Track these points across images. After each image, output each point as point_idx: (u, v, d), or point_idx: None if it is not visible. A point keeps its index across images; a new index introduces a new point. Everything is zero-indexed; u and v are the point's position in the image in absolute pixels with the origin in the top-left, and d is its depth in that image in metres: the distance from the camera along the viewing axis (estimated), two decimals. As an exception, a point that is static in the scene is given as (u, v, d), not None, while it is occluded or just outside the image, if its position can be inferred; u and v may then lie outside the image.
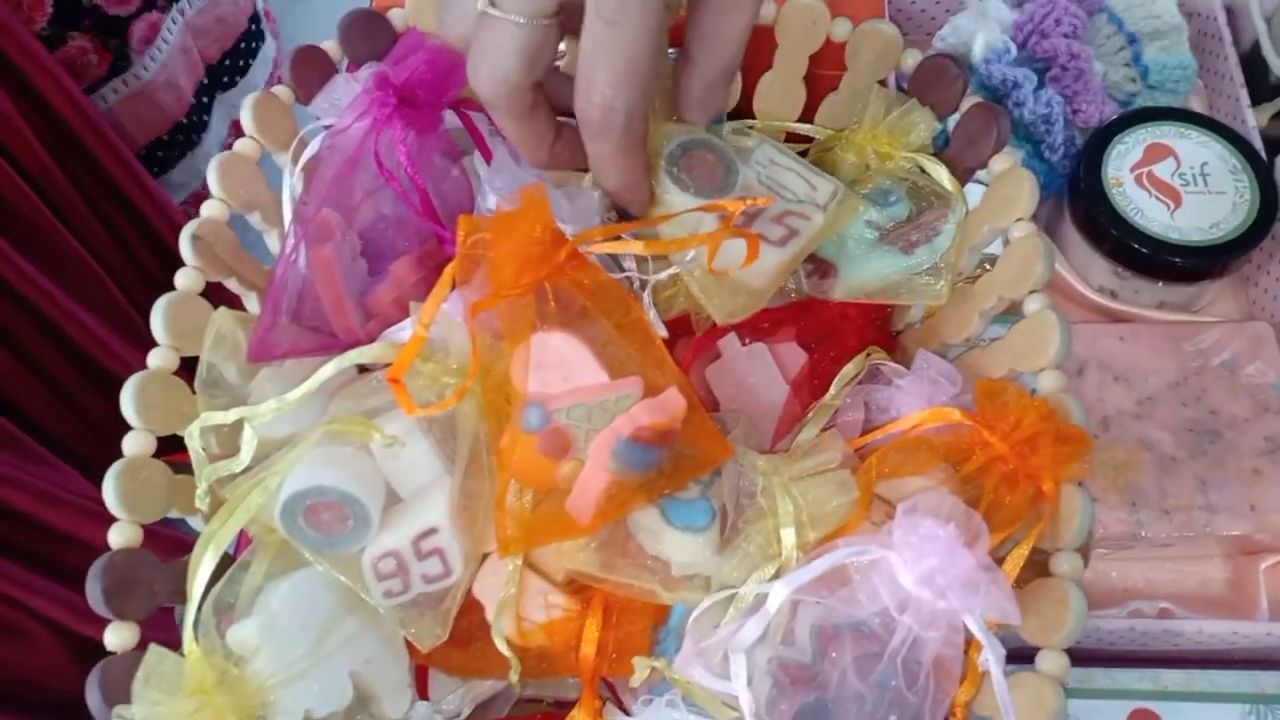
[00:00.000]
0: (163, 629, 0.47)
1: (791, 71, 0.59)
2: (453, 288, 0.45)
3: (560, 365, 0.45)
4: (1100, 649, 0.58)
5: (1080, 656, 0.56)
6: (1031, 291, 0.49)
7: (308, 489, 0.43)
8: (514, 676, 0.48)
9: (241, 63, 1.35)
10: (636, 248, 0.50)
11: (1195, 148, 0.67)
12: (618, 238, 0.51)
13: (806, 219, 0.55)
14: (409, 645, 0.47)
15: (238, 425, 0.47)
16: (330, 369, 0.44)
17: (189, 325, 0.50)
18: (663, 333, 0.54)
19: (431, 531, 0.43)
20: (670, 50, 0.60)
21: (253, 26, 1.35)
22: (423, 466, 0.44)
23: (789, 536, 0.45)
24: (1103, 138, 0.67)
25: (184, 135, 1.22)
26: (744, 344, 0.58)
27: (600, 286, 0.47)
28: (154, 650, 0.41)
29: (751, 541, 0.46)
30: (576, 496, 0.44)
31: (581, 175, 0.58)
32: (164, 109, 1.20)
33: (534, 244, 0.44)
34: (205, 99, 1.28)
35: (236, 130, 1.35)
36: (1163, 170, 0.66)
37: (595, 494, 0.44)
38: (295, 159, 0.57)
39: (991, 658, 0.41)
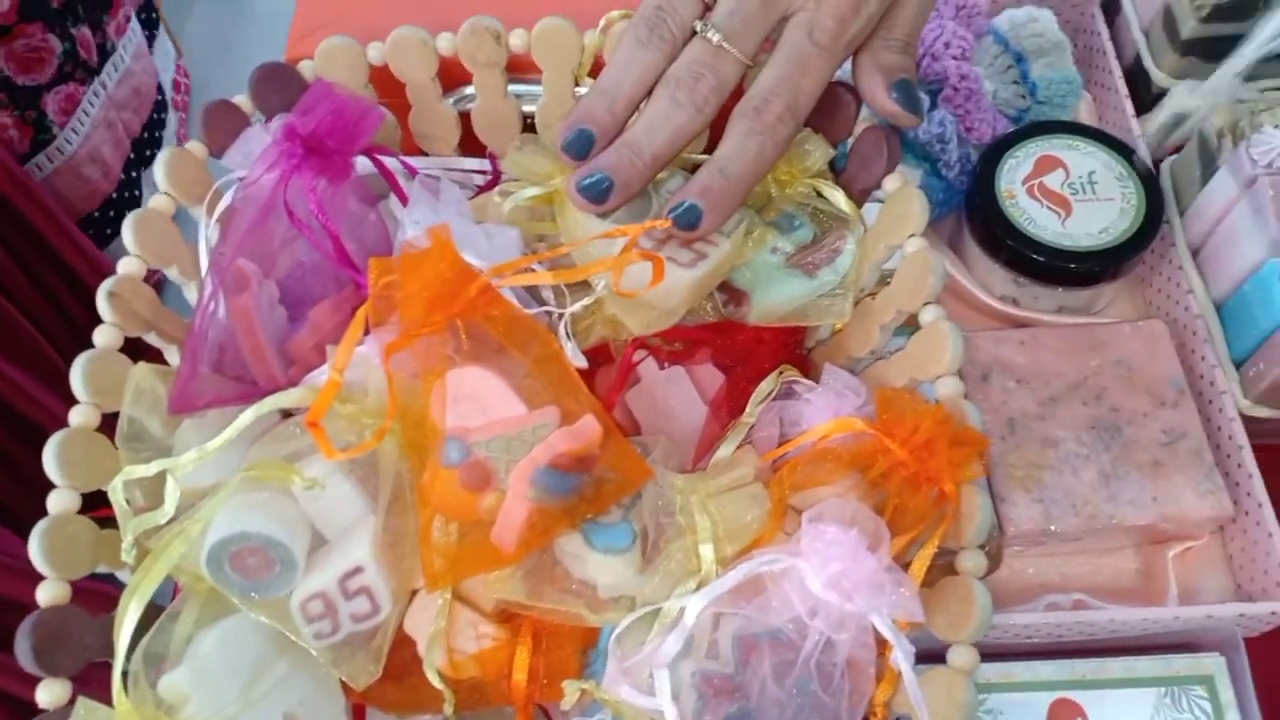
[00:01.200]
0: (99, 684, 0.47)
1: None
2: (367, 330, 0.46)
3: (477, 399, 0.46)
4: (1019, 643, 0.59)
5: (999, 651, 0.59)
6: (926, 304, 0.51)
7: (231, 535, 0.43)
8: (449, 709, 0.48)
9: (157, 134, 1.34)
10: (546, 278, 0.51)
11: (1083, 158, 0.70)
12: (529, 270, 0.52)
13: (714, 245, 0.56)
14: (344, 684, 0.47)
15: (161, 477, 0.47)
16: (249, 416, 0.45)
17: (109, 381, 0.50)
18: (581, 363, 0.56)
19: (357, 571, 0.44)
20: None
21: (160, 97, 1.34)
22: (345, 507, 0.45)
23: (707, 552, 0.46)
24: (995, 153, 0.69)
25: (115, 210, 1.20)
26: (662, 368, 0.59)
27: (513, 321, 0.48)
28: (82, 703, 0.41)
29: (672, 559, 0.47)
30: (500, 527, 0.45)
31: (499, 210, 0.59)
32: (91, 183, 1.18)
33: (442, 281, 0.45)
34: (134, 173, 1.27)
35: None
36: (1053, 181, 0.69)
37: (517, 523, 0.45)
38: (210, 211, 0.58)
39: (901, 655, 0.42)
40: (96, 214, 1.20)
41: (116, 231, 1.22)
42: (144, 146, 1.32)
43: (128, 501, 0.48)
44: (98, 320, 0.52)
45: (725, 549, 0.46)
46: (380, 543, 0.45)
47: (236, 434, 0.45)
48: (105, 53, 1.21)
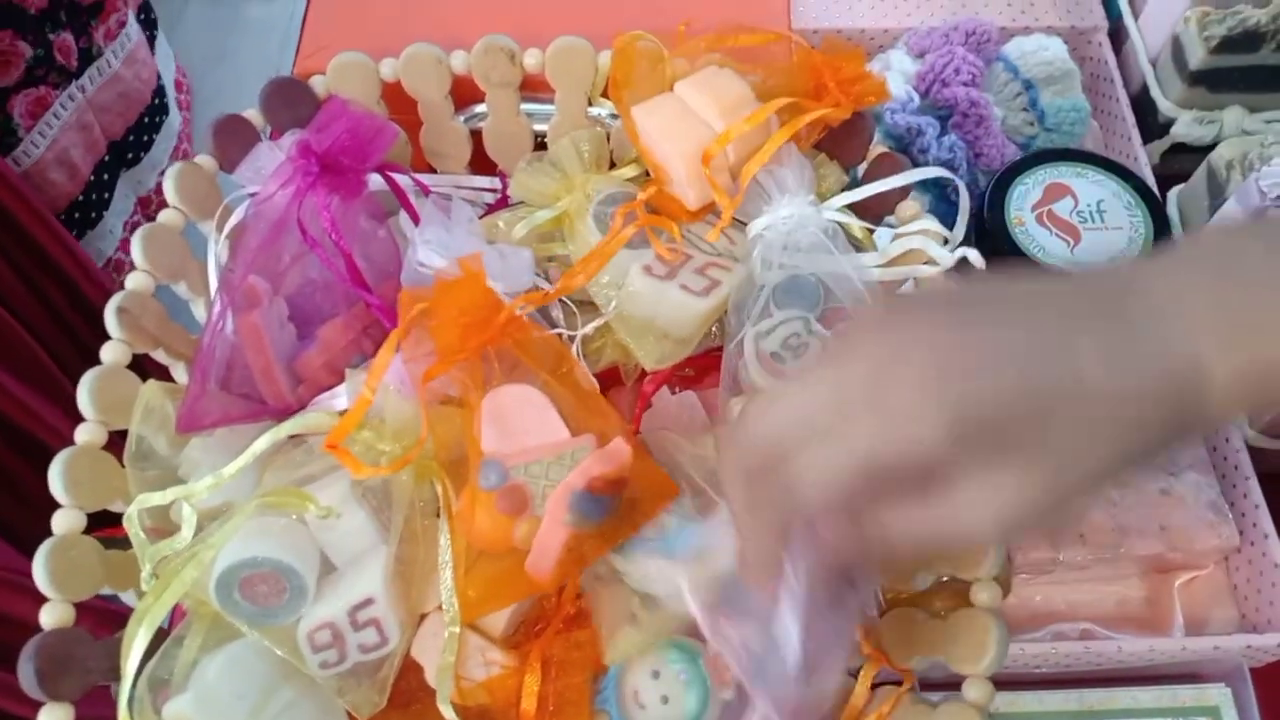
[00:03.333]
0: (98, 704, 0.46)
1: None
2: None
3: (520, 417, 0.45)
4: (1026, 673, 0.59)
5: (1009, 680, 0.58)
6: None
7: (243, 561, 0.42)
8: None
9: (145, 138, 1.31)
10: (560, 290, 0.51)
11: (1091, 186, 0.69)
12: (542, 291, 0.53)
13: (727, 270, 0.56)
14: (349, 713, 0.47)
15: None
16: (265, 442, 0.44)
17: (116, 398, 0.49)
18: (592, 385, 0.55)
19: (368, 603, 0.43)
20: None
21: (156, 100, 1.32)
22: (358, 536, 0.44)
23: None
24: (1004, 180, 0.69)
25: (81, 214, 1.17)
26: (673, 393, 0.59)
27: (538, 344, 0.49)
28: (88, 732, 0.40)
29: None
30: (536, 555, 0.45)
31: (511, 234, 0.59)
32: (56, 185, 1.16)
33: (476, 309, 0.45)
34: (106, 176, 1.24)
35: (143, 206, 1.32)
36: (1062, 209, 0.68)
37: (554, 549, 0.44)
38: (220, 227, 0.57)
39: None
40: (62, 216, 1.18)
41: (80, 235, 1.19)
42: (125, 150, 1.29)
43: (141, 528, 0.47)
44: (95, 329, 0.51)
45: None
46: (390, 573, 0.44)
47: (251, 460, 0.44)
48: (89, 57, 1.19)
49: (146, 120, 1.31)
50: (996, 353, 0.35)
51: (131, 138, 1.29)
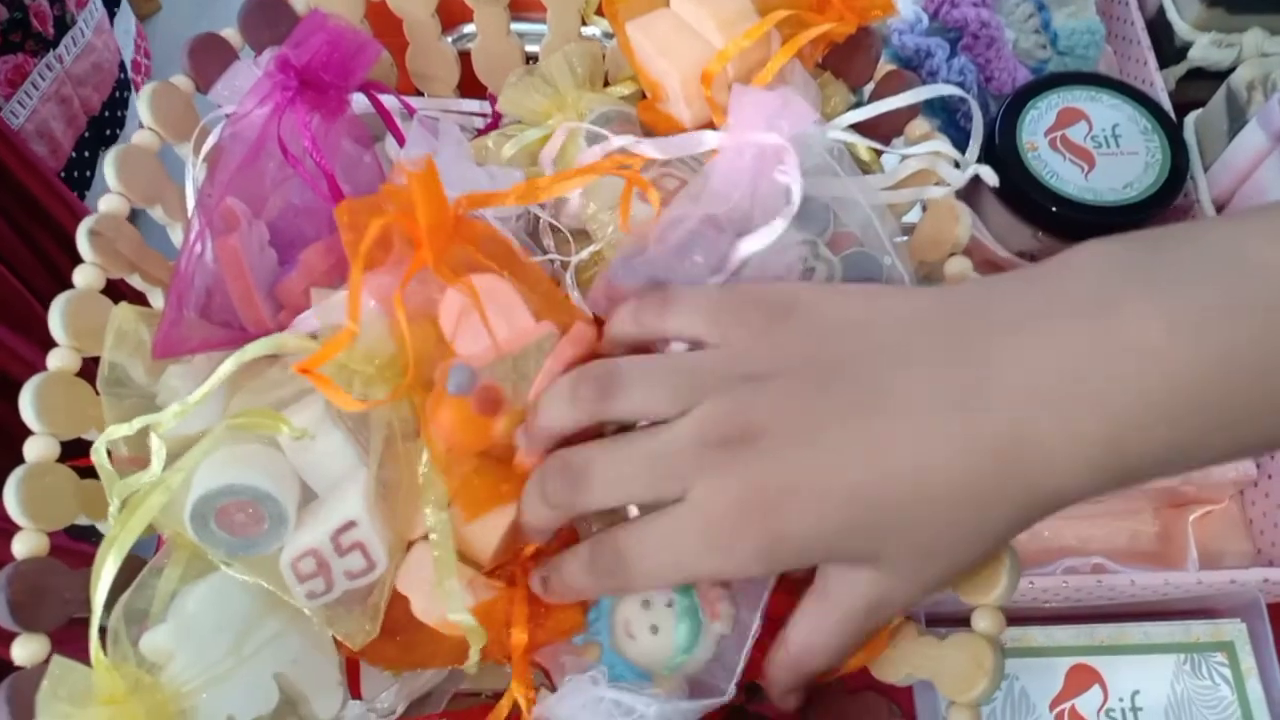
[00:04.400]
0: (78, 643, 0.45)
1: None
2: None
3: (490, 308, 0.44)
4: (1036, 607, 0.57)
5: (1017, 616, 0.56)
6: (951, 254, 0.49)
7: (217, 489, 0.40)
8: (474, 655, 0.45)
9: (120, 113, 1.29)
10: (512, 198, 0.49)
11: (1106, 110, 0.67)
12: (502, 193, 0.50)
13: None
14: (337, 641, 0.45)
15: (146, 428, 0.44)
16: (230, 364, 0.42)
17: (90, 324, 0.47)
18: (587, 314, 0.53)
19: (350, 525, 0.41)
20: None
21: (122, 75, 1.29)
22: (336, 458, 0.43)
23: None
24: (1016, 104, 0.66)
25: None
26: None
27: (491, 239, 0.47)
28: (57, 662, 0.39)
29: None
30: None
31: (500, 154, 0.56)
32: (39, 160, 1.14)
33: (438, 215, 0.43)
34: (88, 153, 1.22)
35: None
36: (1076, 134, 0.66)
37: None
38: (197, 149, 0.55)
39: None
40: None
41: (66, 213, 1.17)
42: (104, 125, 1.26)
43: (109, 452, 0.45)
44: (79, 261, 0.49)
45: None
46: (373, 496, 0.42)
47: (220, 383, 0.42)
48: (64, 25, 1.16)
49: (117, 95, 1.29)
50: (819, 496, 0.35)
51: (108, 113, 1.26)
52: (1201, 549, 0.60)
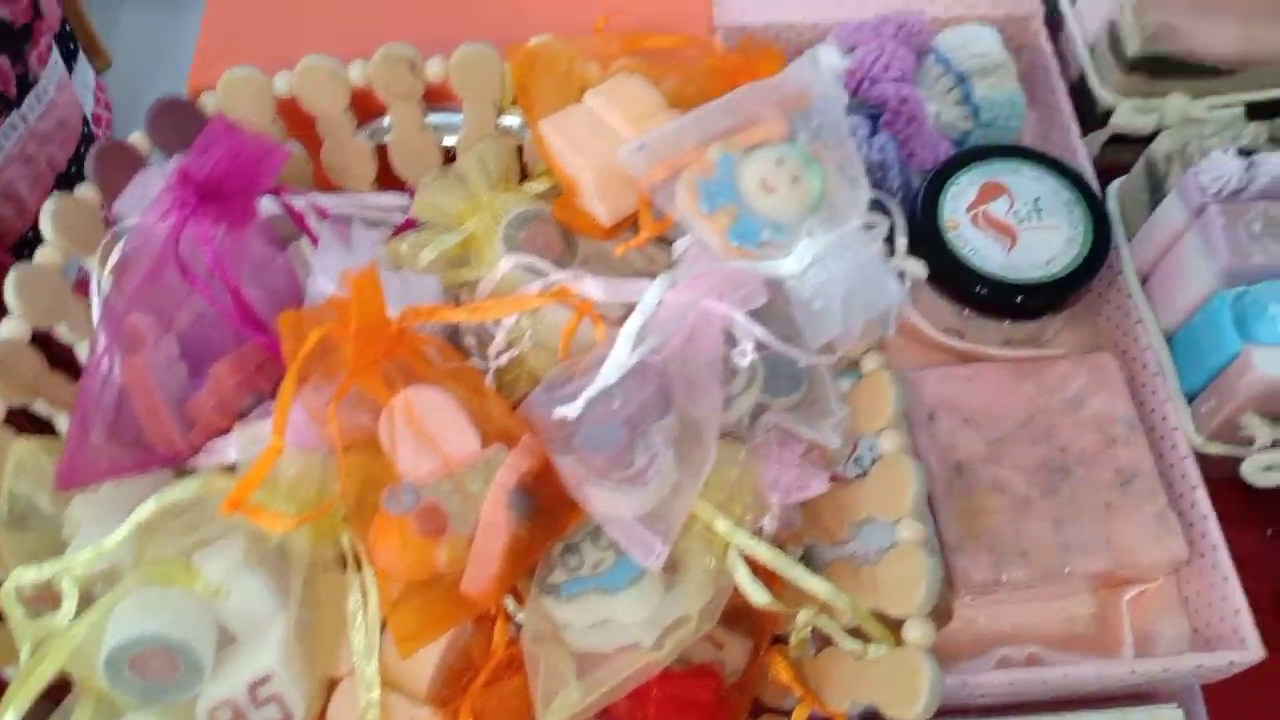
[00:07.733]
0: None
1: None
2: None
3: (433, 423, 0.45)
4: (972, 702, 0.58)
5: (953, 709, 0.57)
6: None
7: (132, 640, 0.41)
8: None
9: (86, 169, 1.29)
10: (460, 314, 0.51)
11: (1028, 183, 0.69)
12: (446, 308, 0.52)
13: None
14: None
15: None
16: (148, 509, 0.42)
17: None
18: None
19: (266, 679, 0.41)
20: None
21: (85, 129, 1.29)
22: (255, 602, 0.43)
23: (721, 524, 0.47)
24: (937, 181, 0.68)
25: (30, 250, 1.14)
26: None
27: (438, 351, 0.48)
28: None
29: (692, 555, 0.46)
30: (474, 569, 0.44)
31: (417, 259, 0.57)
32: (4, 221, 1.12)
33: (375, 325, 0.44)
34: None
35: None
36: (997, 209, 0.67)
37: (495, 555, 0.44)
38: (103, 262, 0.55)
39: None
40: (11, 256, 1.14)
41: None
42: (71, 182, 1.26)
43: (17, 593, 0.45)
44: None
45: (735, 509, 0.47)
46: (292, 643, 0.42)
47: (132, 529, 0.42)
48: (27, 84, 1.15)
49: (82, 150, 1.28)
50: None
51: (74, 169, 1.25)
52: (1138, 630, 0.61)
